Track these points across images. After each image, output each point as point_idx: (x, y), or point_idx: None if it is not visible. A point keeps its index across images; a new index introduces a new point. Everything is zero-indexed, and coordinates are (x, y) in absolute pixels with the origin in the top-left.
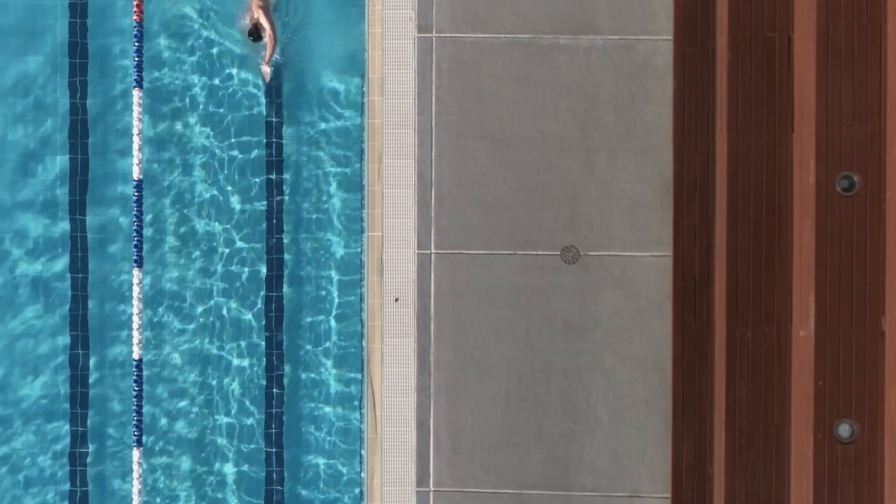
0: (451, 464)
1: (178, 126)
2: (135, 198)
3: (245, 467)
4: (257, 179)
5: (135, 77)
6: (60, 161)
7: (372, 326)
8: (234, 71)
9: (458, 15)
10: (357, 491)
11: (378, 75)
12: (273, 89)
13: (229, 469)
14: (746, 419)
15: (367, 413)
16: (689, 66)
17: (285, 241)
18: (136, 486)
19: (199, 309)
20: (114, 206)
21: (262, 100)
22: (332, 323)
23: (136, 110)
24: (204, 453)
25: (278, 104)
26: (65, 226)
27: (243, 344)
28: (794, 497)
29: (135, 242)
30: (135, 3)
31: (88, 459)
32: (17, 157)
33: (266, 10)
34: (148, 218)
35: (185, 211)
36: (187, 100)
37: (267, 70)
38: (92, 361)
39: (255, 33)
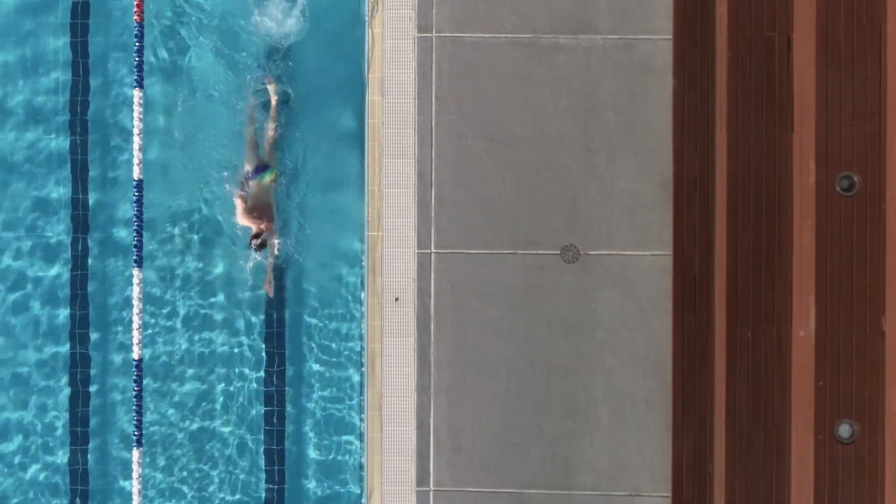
0: (451, 463)
1: None
2: (135, 197)
3: (244, 460)
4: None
5: (135, 77)
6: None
7: (372, 326)
8: None
9: (458, 15)
10: (357, 490)
11: (378, 75)
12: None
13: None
14: (746, 419)
15: (368, 413)
16: (689, 66)
17: None
18: (135, 486)
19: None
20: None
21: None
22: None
23: (137, 110)
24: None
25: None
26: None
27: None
28: (794, 497)
29: (134, 242)
30: (135, 2)
31: (88, 459)
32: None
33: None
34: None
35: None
36: None
37: (270, 288)
38: (92, 360)
39: (259, 240)
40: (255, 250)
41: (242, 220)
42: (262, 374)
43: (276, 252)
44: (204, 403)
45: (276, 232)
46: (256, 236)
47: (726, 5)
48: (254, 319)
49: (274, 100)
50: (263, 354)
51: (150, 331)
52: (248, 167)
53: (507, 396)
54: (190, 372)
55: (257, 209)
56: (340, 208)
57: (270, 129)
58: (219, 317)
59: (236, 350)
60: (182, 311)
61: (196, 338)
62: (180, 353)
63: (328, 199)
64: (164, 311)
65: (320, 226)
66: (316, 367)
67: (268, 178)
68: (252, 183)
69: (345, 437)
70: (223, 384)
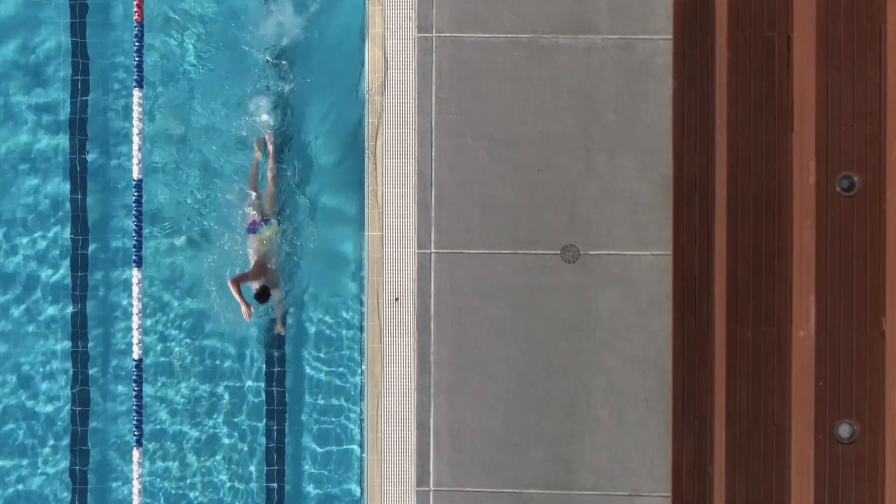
0: (451, 463)
1: None
2: (134, 197)
3: (245, 455)
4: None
5: (134, 77)
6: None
7: (372, 326)
8: None
9: (458, 15)
10: (357, 490)
11: (378, 75)
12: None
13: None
14: (746, 419)
15: (367, 413)
16: (689, 66)
17: None
18: (135, 486)
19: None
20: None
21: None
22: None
23: (136, 110)
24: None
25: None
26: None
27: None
28: (794, 497)
29: (134, 242)
30: (135, 2)
31: (89, 459)
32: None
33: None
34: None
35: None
36: None
37: (281, 329)
38: (92, 360)
39: (263, 295)
40: (260, 303)
41: (252, 276)
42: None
43: (282, 298)
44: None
45: (280, 281)
46: (260, 292)
47: (726, 5)
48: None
49: (272, 149)
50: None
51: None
52: (249, 220)
53: (507, 396)
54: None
55: (260, 263)
56: (341, 249)
57: (270, 181)
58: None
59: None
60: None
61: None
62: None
63: (329, 241)
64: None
65: (322, 268)
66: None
67: (268, 232)
68: (252, 237)
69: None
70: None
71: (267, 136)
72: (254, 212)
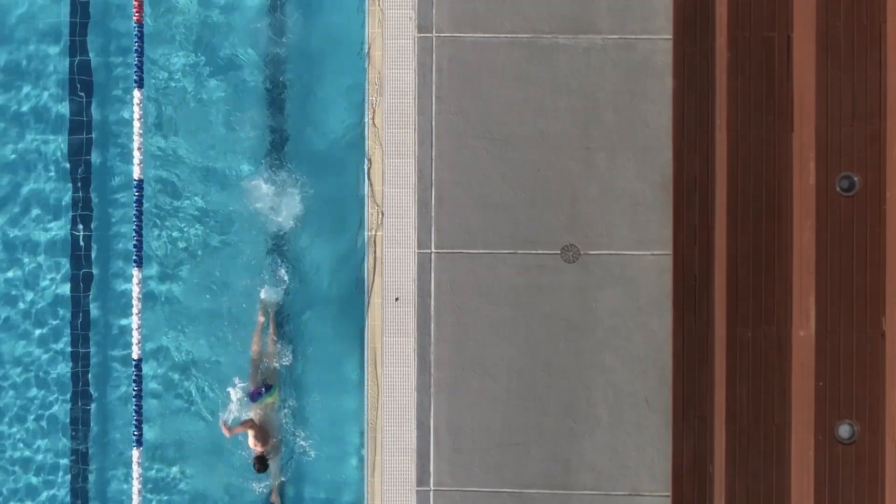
0: (451, 463)
1: None
2: (135, 198)
3: (246, 455)
4: None
5: (135, 78)
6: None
7: (372, 326)
8: None
9: (458, 15)
10: (357, 490)
11: (378, 75)
12: None
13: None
14: (746, 419)
15: (368, 413)
16: (689, 66)
17: None
18: (135, 485)
19: None
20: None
21: None
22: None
23: (136, 110)
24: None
25: None
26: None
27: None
28: (794, 497)
29: (134, 242)
30: (135, 3)
31: (89, 458)
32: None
33: (265, 439)
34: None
35: None
36: None
37: (276, 500)
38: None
39: (261, 465)
40: (258, 471)
41: (253, 445)
42: None
43: (281, 471)
44: None
45: (279, 450)
46: (260, 459)
47: (726, 5)
48: None
49: (272, 323)
50: None
51: None
52: (251, 388)
53: (508, 396)
54: None
55: (261, 432)
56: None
57: (270, 347)
58: None
59: None
60: None
61: None
62: None
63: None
64: None
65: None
66: None
67: (269, 399)
68: (255, 405)
69: None
70: None
71: (268, 305)
72: (256, 377)
